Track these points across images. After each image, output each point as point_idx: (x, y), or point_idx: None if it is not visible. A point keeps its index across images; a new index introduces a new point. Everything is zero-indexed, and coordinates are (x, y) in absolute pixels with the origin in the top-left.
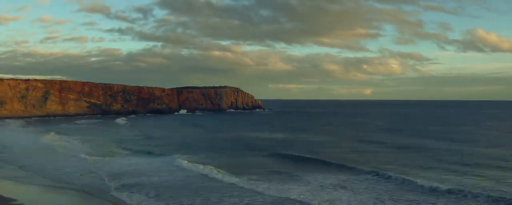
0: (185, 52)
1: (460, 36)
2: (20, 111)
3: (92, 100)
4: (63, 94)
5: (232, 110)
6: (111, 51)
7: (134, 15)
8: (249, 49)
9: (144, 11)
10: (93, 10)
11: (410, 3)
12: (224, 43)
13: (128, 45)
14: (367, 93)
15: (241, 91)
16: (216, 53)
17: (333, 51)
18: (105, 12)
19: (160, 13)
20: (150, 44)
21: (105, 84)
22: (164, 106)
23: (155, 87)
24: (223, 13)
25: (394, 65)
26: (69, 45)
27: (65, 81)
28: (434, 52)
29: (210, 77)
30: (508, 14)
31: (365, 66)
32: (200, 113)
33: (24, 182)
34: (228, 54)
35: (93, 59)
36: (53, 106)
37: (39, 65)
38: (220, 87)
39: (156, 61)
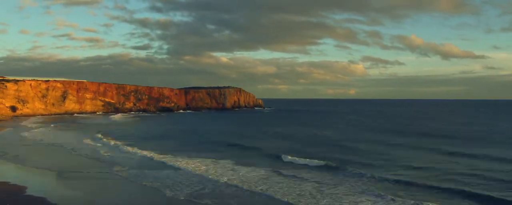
0: (161, 56)
1: (390, 43)
2: (41, 109)
3: (107, 99)
4: (80, 94)
5: (236, 108)
6: (96, 57)
7: (101, 28)
8: (217, 55)
9: (107, 26)
10: (63, 25)
11: (326, 17)
12: (189, 50)
13: (109, 52)
14: (352, 93)
15: (244, 91)
16: (188, 57)
17: (290, 56)
18: (74, 27)
19: (122, 27)
20: (126, 51)
21: (118, 84)
22: (173, 104)
23: (164, 87)
24: (173, 27)
25: (359, 67)
26: (56, 51)
27: (82, 82)
28: (393, 56)
29: (198, 78)
30: (415, 25)
31: (333, 69)
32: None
33: None
34: (202, 58)
35: (82, 63)
36: (71, 104)
37: (37, 68)
38: (224, 87)
39: (141, 65)
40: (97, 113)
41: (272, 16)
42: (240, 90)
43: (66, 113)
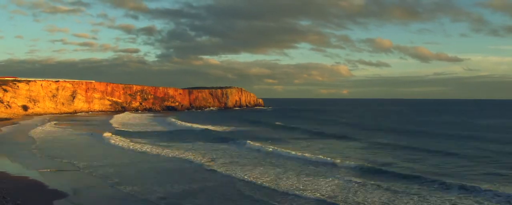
0: (152, 59)
1: (362, 46)
2: (51, 108)
3: (114, 99)
4: (88, 94)
5: (237, 108)
6: (92, 60)
7: (91, 34)
8: (205, 57)
9: (95, 31)
10: (55, 31)
11: (295, 24)
12: (178, 53)
13: (102, 55)
14: (345, 93)
15: (245, 91)
16: (178, 60)
17: (272, 59)
18: (65, 32)
19: (109, 32)
20: (118, 54)
21: (125, 84)
22: (177, 103)
23: (169, 87)
24: (156, 33)
25: (344, 69)
26: (52, 54)
27: (90, 82)
28: (371, 59)
29: (195, 79)
30: (381, 31)
31: (320, 71)
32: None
33: None
34: (191, 61)
35: (80, 65)
36: (79, 104)
37: (37, 70)
38: (226, 87)
39: (137, 66)
40: (107, 112)
41: (245, 23)
42: (241, 90)
43: (75, 112)
